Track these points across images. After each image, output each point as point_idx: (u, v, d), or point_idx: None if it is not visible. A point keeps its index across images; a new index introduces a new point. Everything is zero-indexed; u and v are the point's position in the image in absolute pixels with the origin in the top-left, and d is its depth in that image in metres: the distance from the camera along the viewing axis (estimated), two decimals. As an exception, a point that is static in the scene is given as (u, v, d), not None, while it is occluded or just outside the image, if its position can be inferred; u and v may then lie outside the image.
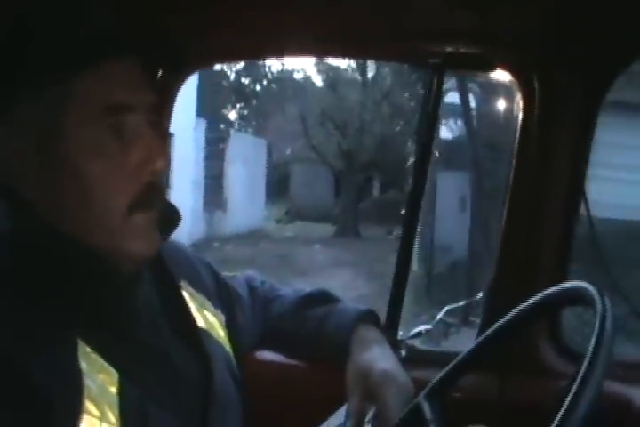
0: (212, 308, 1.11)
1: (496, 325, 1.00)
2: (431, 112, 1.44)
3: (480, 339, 1.02)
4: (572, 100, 1.43)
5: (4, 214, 0.87)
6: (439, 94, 1.43)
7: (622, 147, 7.42)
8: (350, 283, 8.72)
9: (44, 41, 0.83)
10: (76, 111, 0.84)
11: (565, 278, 1.46)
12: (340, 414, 1.14)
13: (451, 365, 1.03)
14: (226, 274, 1.26)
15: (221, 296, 1.17)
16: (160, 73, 1.17)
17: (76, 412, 0.79)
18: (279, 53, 1.62)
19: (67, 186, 0.85)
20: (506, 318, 1.00)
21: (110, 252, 0.87)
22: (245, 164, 15.26)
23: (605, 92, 1.41)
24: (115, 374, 0.84)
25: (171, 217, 0.96)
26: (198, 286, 1.10)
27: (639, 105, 7.37)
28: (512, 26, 1.32)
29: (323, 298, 1.31)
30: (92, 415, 0.80)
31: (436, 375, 1.08)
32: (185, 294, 1.05)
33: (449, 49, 1.39)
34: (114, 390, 0.83)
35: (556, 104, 1.44)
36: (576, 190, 1.46)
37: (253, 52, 1.55)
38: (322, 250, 12.87)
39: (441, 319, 2.19)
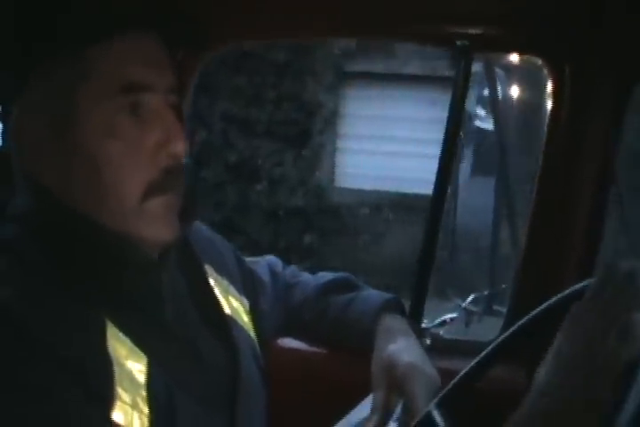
0: (237, 293, 1.09)
1: (514, 328, 0.97)
2: (459, 96, 1.41)
3: (491, 347, 0.99)
4: (603, 84, 1.39)
5: (25, 200, 0.86)
6: (467, 77, 1.39)
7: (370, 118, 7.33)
8: None
9: (59, 10, 0.81)
10: (91, 91, 0.82)
11: (594, 269, 1.43)
12: (364, 407, 1.11)
13: (462, 372, 1.01)
14: (248, 259, 1.24)
15: (245, 281, 1.15)
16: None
17: (109, 398, 0.78)
18: (301, 35, 1.60)
19: (82, 169, 0.83)
20: (528, 317, 0.97)
21: (129, 235, 0.85)
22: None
23: (639, 76, 1.38)
24: (144, 359, 0.83)
25: (193, 202, 0.94)
26: (222, 271, 1.08)
27: (384, 74, 7.25)
28: (542, 7, 1.29)
29: (346, 284, 1.28)
30: (125, 403, 0.79)
31: (461, 365, 1.05)
32: (210, 279, 1.03)
33: (477, 31, 1.35)
34: (142, 376, 0.82)
35: (587, 89, 1.40)
36: (607, 179, 1.42)
37: (273, 33, 1.52)
38: None
39: (464, 308, 2.17)
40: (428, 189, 1.52)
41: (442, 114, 1.50)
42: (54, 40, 0.81)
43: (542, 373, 0.75)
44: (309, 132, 7.48)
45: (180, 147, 0.85)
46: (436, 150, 1.47)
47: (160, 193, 0.86)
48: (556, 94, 1.43)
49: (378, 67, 7.13)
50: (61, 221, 0.84)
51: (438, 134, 1.46)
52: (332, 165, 7.58)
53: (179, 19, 0.88)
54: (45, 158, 0.84)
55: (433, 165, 1.45)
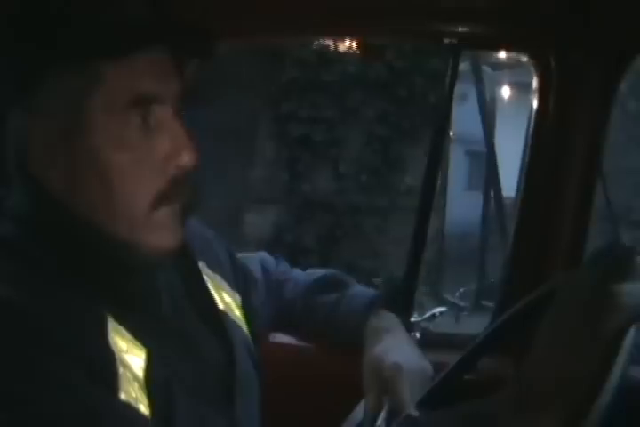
0: (229, 289, 1.10)
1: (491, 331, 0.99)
2: (447, 93, 1.43)
3: (473, 345, 1.00)
4: (589, 80, 1.41)
5: (24, 200, 0.87)
6: (454, 75, 1.41)
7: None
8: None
9: (79, 22, 0.81)
10: (103, 99, 0.83)
11: (581, 263, 1.45)
12: (359, 411, 1.13)
13: (456, 361, 1.02)
14: (241, 254, 1.25)
15: (237, 277, 1.16)
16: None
17: (117, 392, 0.79)
18: (295, 35, 1.60)
19: (90, 176, 0.84)
20: (515, 308, 0.98)
21: (132, 243, 0.86)
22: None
23: (623, 72, 1.39)
24: (143, 354, 0.84)
25: (190, 205, 0.95)
26: (215, 267, 1.09)
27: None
28: (529, 5, 1.30)
29: (335, 281, 1.29)
30: (130, 395, 0.80)
31: (452, 358, 1.07)
32: (203, 274, 1.05)
33: (465, 29, 1.37)
34: (141, 369, 0.83)
35: (573, 85, 1.42)
36: (592, 173, 1.44)
37: (269, 34, 1.53)
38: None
39: (453, 302, 2.19)
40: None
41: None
42: (71, 51, 0.82)
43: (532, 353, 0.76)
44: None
45: (189, 158, 0.87)
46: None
47: (168, 203, 0.87)
48: (542, 89, 1.44)
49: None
50: (62, 224, 0.85)
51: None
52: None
53: (189, 32, 0.88)
54: (53, 164, 0.84)
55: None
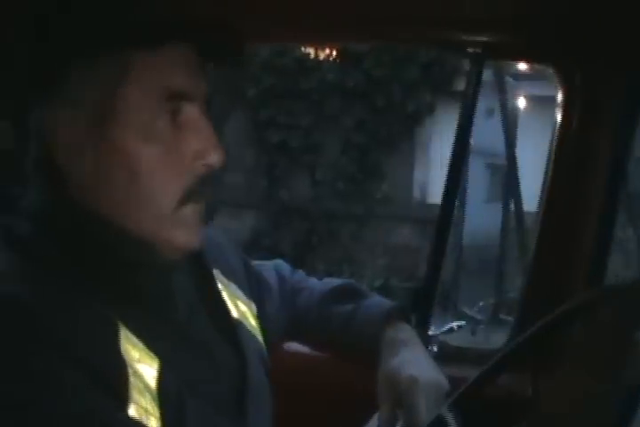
0: (244, 297, 1.09)
1: (525, 333, 0.97)
2: (470, 103, 1.41)
3: (505, 349, 0.99)
4: (613, 92, 1.39)
5: (40, 197, 0.86)
6: (478, 84, 1.39)
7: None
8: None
9: (111, 12, 0.81)
10: (132, 95, 0.82)
11: (603, 279, 1.43)
12: (373, 423, 1.12)
13: (476, 376, 1.00)
14: (256, 262, 1.24)
15: (251, 285, 1.15)
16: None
17: (126, 400, 0.78)
18: (312, 39, 1.60)
19: (118, 169, 0.83)
20: (537, 325, 0.97)
21: (155, 240, 0.86)
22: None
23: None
24: (156, 363, 0.83)
25: (213, 208, 0.94)
26: (230, 274, 1.08)
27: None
28: (554, 15, 1.28)
29: (351, 291, 1.28)
30: (139, 406, 0.79)
31: (468, 372, 1.05)
32: (218, 282, 1.04)
33: (489, 39, 1.35)
34: (154, 379, 0.82)
35: (598, 97, 1.40)
36: (616, 188, 1.42)
37: (285, 37, 1.52)
38: None
39: (471, 316, 2.17)
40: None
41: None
42: (98, 39, 0.81)
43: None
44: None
45: (216, 157, 0.86)
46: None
47: (194, 201, 0.87)
48: (566, 102, 1.42)
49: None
50: (80, 223, 0.84)
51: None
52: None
53: (219, 31, 0.88)
54: (80, 157, 0.83)
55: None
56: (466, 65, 1.38)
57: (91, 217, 0.84)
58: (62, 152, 0.84)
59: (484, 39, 1.35)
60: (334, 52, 7.01)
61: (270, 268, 1.28)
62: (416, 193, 7.53)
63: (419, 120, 7.32)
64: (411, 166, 7.52)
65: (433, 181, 7.15)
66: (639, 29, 1.28)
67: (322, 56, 7.15)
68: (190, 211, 0.87)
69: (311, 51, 7.00)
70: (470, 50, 1.37)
